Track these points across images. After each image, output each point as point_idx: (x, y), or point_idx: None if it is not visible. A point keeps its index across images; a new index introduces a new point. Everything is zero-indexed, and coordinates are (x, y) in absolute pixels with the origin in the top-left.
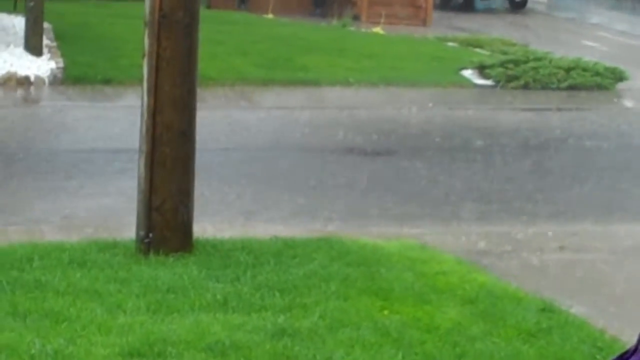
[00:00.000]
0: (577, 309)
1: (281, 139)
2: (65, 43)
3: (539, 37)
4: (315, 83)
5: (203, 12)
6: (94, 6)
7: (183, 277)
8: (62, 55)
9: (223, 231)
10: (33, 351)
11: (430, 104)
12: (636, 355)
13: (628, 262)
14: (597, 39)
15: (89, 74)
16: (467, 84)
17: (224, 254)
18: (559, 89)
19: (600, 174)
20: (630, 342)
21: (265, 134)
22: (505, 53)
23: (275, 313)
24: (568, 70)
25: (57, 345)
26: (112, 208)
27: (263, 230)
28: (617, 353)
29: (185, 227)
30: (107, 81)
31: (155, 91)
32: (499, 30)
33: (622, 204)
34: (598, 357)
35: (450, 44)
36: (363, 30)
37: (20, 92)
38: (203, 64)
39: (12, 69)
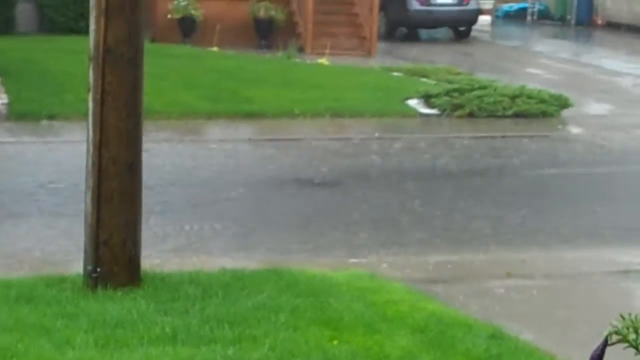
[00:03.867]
0: (526, 335)
1: (227, 171)
2: (9, 79)
3: (483, 66)
4: (261, 115)
5: (147, 46)
6: (38, 41)
7: (131, 311)
8: (6, 92)
9: (171, 265)
10: None
11: (376, 134)
12: None
13: (576, 288)
14: (541, 67)
15: (33, 109)
16: (413, 113)
17: (172, 287)
18: (504, 116)
19: (546, 201)
20: None
21: (211, 166)
22: (450, 82)
23: (224, 345)
24: (513, 98)
25: None
26: (60, 243)
27: (210, 262)
28: None
29: (133, 261)
30: (52, 116)
31: (100, 125)
32: (444, 59)
33: (568, 231)
34: None
35: (395, 73)
36: (308, 61)
37: None
38: (148, 98)
39: None
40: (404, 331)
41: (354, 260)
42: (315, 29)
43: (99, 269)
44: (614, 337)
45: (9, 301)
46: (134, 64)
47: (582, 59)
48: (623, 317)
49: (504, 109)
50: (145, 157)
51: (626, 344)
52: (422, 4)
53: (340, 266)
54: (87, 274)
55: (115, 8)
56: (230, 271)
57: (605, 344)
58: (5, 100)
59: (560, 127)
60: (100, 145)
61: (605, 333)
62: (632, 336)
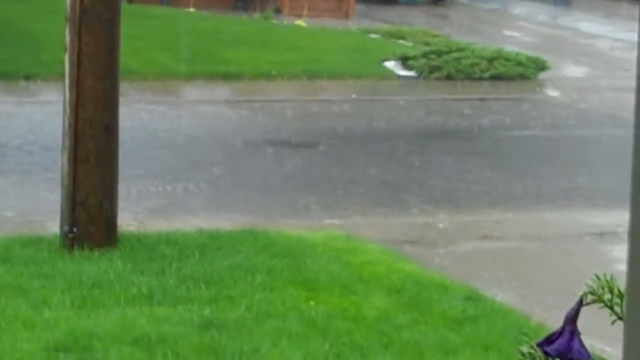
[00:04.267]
0: (502, 297)
1: (204, 133)
2: None
3: (461, 28)
4: (238, 76)
5: (124, 7)
6: (15, 2)
7: (108, 271)
8: None
9: (147, 225)
10: None
11: (353, 96)
12: (562, 337)
13: (551, 249)
14: (518, 29)
15: (10, 69)
16: (390, 75)
17: (149, 247)
18: (481, 79)
19: (523, 163)
20: (556, 328)
21: (188, 128)
22: (427, 44)
23: (201, 305)
24: (490, 60)
25: None
26: (37, 204)
27: (187, 223)
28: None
29: (110, 222)
30: (28, 77)
31: (77, 86)
32: (422, 21)
33: (545, 192)
34: (525, 338)
35: (372, 35)
36: (285, 23)
37: None
38: (125, 59)
39: None
40: (380, 292)
41: (331, 222)
42: None
43: (75, 230)
44: (589, 298)
45: None
46: (111, 24)
47: (560, 22)
48: (598, 278)
49: (482, 71)
50: (121, 119)
51: (601, 304)
52: None
53: (317, 227)
54: (64, 235)
55: None
56: (206, 232)
57: (580, 304)
58: None
59: (537, 89)
60: (77, 107)
61: (580, 293)
62: (607, 296)
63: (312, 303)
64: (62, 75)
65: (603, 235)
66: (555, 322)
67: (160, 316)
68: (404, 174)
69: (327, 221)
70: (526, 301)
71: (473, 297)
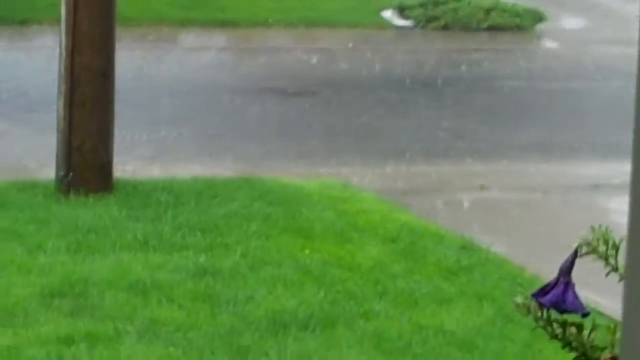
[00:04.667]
0: (498, 248)
1: (200, 80)
2: None
3: None
4: (235, 24)
5: None
6: None
7: (104, 217)
8: None
9: (143, 172)
10: None
11: (351, 45)
12: (557, 288)
13: (547, 201)
14: None
15: (5, 14)
16: (387, 25)
17: (145, 194)
18: (478, 29)
19: (519, 114)
20: (550, 279)
21: (184, 75)
22: None
23: (196, 253)
24: (488, 11)
25: None
26: (32, 149)
27: (182, 170)
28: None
29: (106, 168)
30: (24, 22)
31: (73, 31)
32: None
33: (541, 144)
34: (520, 289)
35: None
36: None
37: None
38: (121, 5)
39: None
40: (375, 241)
41: (327, 170)
42: None
43: (71, 175)
44: (584, 249)
45: None
46: None
47: None
48: (594, 229)
49: (479, 22)
50: (117, 65)
51: (596, 256)
52: None
53: (313, 175)
54: (60, 180)
55: None
56: (202, 179)
57: (575, 255)
58: None
59: (534, 41)
60: (73, 52)
61: (576, 245)
62: (602, 248)
63: (307, 251)
64: (59, 21)
65: (599, 187)
66: (549, 273)
67: (156, 263)
68: (400, 123)
69: (323, 170)
70: (521, 252)
71: (468, 248)
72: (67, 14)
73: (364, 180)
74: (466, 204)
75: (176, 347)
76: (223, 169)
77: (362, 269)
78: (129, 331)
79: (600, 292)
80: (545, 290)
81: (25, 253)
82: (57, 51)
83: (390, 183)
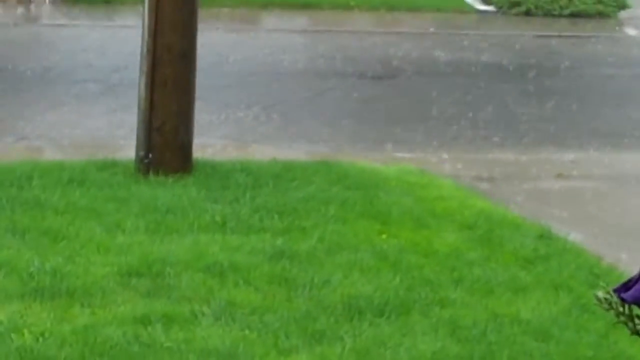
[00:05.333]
0: (575, 237)
1: (280, 62)
2: None
3: None
4: (316, 6)
5: None
6: None
7: (182, 197)
8: None
9: (222, 153)
10: (32, 269)
11: (432, 29)
12: (639, 284)
13: (627, 190)
14: None
15: None
16: (469, 9)
17: (223, 175)
18: (561, 15)
19: (602, 102)
20: (627, 271)
21: (264, 57)
22: None
23: (273, 235)
24: None
25: (56, 263)
26: (112, 128)
27: (262, 153)
28: (615, 280)
29: (185, 148)
30: (108, 1)
31: (156, 12)
32: None
33: (623, 132)
34: (601, 283)
35: None
36: None
37: (20, 10)
38: None
39: None
40: (452, 228)
41: (405, 155)
42: None
43: (150, 155)
44: None
45: (62, 184)
46: None
47: None
48: None
49: (561, 8)
50: (198, 46)
51: None
52: None
53: (391, 161)
54: (139, 160)
55: None
56: (280, 162)
57: None
58: None
59: (617, 27)
60: (155, 33)
61: None
62: None
63: (384, 236)
64: (141, 1)
65: None
66: (627, 264)
67: (233, 244)
68: (480, 109)
69: (401, 155)
70: (598, 242)
71: (545, 236)
72: None
73: (442, 166)
74: (544, 192)
75: (251, 330)
76: (301, 152)
77: (438, 255)
78: (204, 312)
79: None
80: (627, 285)
81: (104, 232)
82: (140, 31)
83: (467, 169)
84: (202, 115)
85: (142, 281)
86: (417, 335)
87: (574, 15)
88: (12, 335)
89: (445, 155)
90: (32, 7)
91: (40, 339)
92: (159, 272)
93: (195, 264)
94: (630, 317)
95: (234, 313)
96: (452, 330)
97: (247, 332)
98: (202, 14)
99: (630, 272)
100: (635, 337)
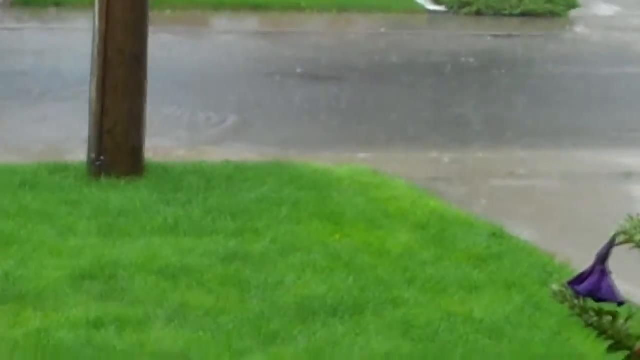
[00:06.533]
0: (527, 235)
1: (231, 63)
2: None
3: None
4: (267, 7)
5: None
6: None
7: (134, 200)
8: None
9: (174, 155)
10: None
11: (383, 29)
12: (592, 276)
13: (578, 188)
14: None
15: None
16: (420, 9)
17: (175, 177)
18: (511, 15)
19: (550, 101)
20: (579, 268)
21: (216, 58)
22: None
23: (226, 237)
24: None
25: (8, 267)
26: (63, 131)
27: (215, 154)
28: (567, 278)
29: (137, 151)
30: (58, 3)
31: (107, 14)
32: None
33: (572, 131)
34: (555, 276)
35: None
36: None
37: None
38: None
39: None
40: (405, 227)
41: (357, 155)
42: None
43: (102, 158)
44: (621, 238)
45: (13, 187)
46: None
47: None
48: (631, 218)
49: (512, 7)
50: (149, 48)
51: (632, 245)
52: None
53: (343, 161)
54: (91, 162)
55: None
56: (233, 163)
57: (611, 244)
58: None
59: (567, 27)
60: (106, 35)
61: (612, 233)
62: (638, 237)
63: (337, 237)
64: (92, 3)
65: (631, 176)
66: (579, 261)
67: (186, 247)
68: (431, 109)
69: (354, 155)
70: (551, 240)
71: (497, 235)
72: None
73: (394, 165)
74: (495, 191)
75: (205, 332)
76: (254, 153)
77: (391, 255)
78: (158, 315)
79: (629, 280)
80: (580, 278)
81: (56, 235)
82: (91, 34)
83: (420, 169)
84: (154, 117)
85: (94, 284)
86: (371, 334)
87: (524, 14)
88: None
89: (397, 155)
90: None
91: None
92: (111, 275)
93: (148, 266)
94: (585, 310)
95: (187, 315)
96: (406, 330)
97: (200, 333)
98: (153, 16)
99: (582, 269)
100: (587, 334)
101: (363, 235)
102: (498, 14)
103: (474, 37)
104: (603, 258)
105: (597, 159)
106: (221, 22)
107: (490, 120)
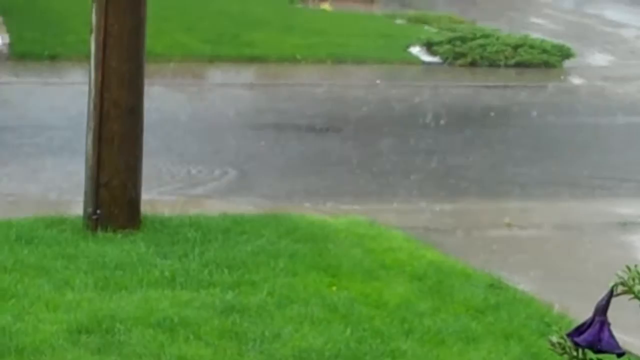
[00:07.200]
0: (525, 285)
1: (228, 116)
2: (11, 18)
3: (486, 14)
4: (263, 59)
5: None
6: None
7: (131, 253)
8: (8, 31)
9: (171, 208)
10: None
11: (378, 81)
12: (592, 328)
13: (575, 238)
14: (544, 17)
15: (35, 49)
16: (415, 61)
17: (172, 230)
18: (506, 66)
19: (546, 151)
20: (578, 318)
21: (212, 111)
22: (452, 30)
23: (223, 289)
24: (515, 47)
25: (5, 321)
26: (59, 185)
27: (210, 207)
28: (565, 328)
29: (133, 204)
30: (54, 57)
31: (102, 67)
32: (447, 7)
33: (567, 181)
34: (553, 326)
35: (398, 21)
36: (310, 7)
37: None
38: (150, 40)
39: None
40: (402, 279)
41: (354, 207)
42: None
43: (98, 211)
44: (620, 289)
45: (9, 242)
46: (136, 5)
47: (585, 10)
48: (629, 269)
49: (506, 58)
50: (146, 101)
51: (631, 296)
52: None
53: (340, 212)
54: (87, 216)
55: None
56: (230, 216)
57: (610, 294)
58: (7, 40)
59: (562, 77)
60: (102, 88)
61: (611, 284)
62: (637, 287)
63: (334, 288)
64: (88, 56)
65: (626, 225)
66: (577, 311)
67: (183, 300)
68: (427, 160)
69: (351, 207)
70: (548, 290)
71: (495, 286)
72: (97, 50)
73: (391, 217)
74: (492, 242)
75: None
76: (251, 205)
77: (388, 306)
78: None
79: (628, 331)
80: (580, 330)
81: (53, 289)
82: (87, 87)
83: (416, 220)
84: (150, 170)
85: (92, 338)
86: None
87: (519, 65)
88: None
89: (394, 207)
90: None
91: None
92: (108, 329)
93: (145, 319)
94: None
95: None
96: None
97: None
98: (148, 69)
99: (581, 319)
100: None
101: (360, 287)
102: (493, 64)
103: (469, 89)
104: (603, 309)
105: (594, 209)
106: (217, 74)
107: (486, 171)
